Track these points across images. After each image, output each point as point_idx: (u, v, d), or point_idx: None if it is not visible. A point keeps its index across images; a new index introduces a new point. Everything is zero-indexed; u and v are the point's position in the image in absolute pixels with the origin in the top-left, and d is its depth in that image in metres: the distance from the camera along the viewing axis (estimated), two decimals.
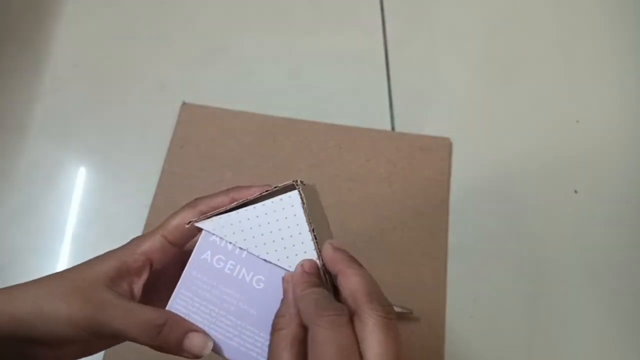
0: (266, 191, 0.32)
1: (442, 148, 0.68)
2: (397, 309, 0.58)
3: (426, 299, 0.61)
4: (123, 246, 0.33)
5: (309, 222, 0.32)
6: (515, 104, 0.72)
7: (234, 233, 0.32)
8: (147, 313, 0.31)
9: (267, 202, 0.32)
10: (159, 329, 0.31)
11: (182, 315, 0.32)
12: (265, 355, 0.31)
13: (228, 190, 0.34)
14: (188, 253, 0.34)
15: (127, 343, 0.32)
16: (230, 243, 0.32)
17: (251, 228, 0.32)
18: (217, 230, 0.32)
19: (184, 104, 0.71)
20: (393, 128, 0.70)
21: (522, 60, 0.75)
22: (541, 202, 0.67)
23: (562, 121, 0.71)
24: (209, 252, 0.32)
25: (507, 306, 0.62)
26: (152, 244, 0.33)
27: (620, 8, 0.78)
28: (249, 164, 0.67)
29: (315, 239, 0.32)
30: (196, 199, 0.34)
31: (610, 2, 0.79)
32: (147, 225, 0.64)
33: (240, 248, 0.32)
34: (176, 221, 0.33)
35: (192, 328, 0.32)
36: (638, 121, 0.71)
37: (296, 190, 0.31)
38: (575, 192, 0.67)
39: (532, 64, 0.75)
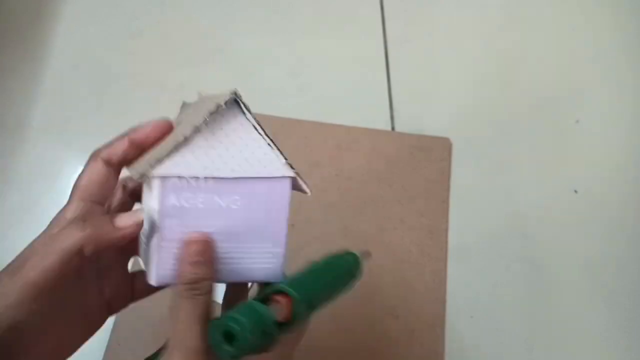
0: (205, 119, 0.30)
1: (442, 148, 0.68)
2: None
3: (426, 299, 0.61)
4: (50, 233, 0.31)
5: (257, 127, 0.31)
6: (515, 103, 0.72)
7: (190, 166, 0.30)
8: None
9: (210, 122, 0.30)
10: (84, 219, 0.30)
11: (173, 265, 0.31)
12: (276, 261, 0.32)
13: (122, 135, 0.33)
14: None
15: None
16: (192, 178, 0.30)
17: (205, 154, 0.30)
18: (173, 170, 0.30)
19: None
20: (393, 128, 0.70)
21: (522, 60, 0.75)
22: (541, 202, 0.67)
23: (562, 121, 0.71)
24: (173, 196, 0.30)
25: (507, 306, 0.62)
26: (76, 210, 0.31)
27: (620, 8, 0.78)
28: None
29: (272, 140, 0.31)
30: (94, 152, 0.33)
31: (610, 2, 0.79)
32: None
33: (205, 178, 0.30)
34: (84, 181, 0.32)
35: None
36: (638, 121, 0.71)
37: (234, 100, 0.31)
38: (575, 192, 0.67)
39: (532, 64, 0.75)
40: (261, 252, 0.32)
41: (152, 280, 0.31)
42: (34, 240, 0.31)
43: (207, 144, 0.30)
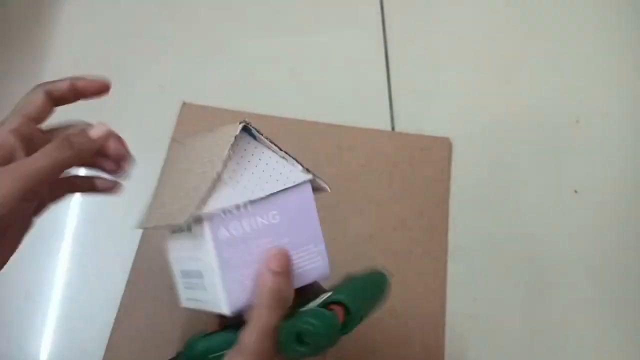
0: (229, 152, 0.33)
1: (442, 148, 0.68)
2: None
3: (426, 299, 0.61)
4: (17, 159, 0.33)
5: (271, 145, 0.35)
6: (515, 104, 0.72)
7: (230, 198, 0.33)
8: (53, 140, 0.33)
9: (232, 154, 0.34)
10: (68, 139, 0.33)
11: (241, 290, 0.34)
12: (322, 258, 0.36)
13: (65, 78, 0.37)
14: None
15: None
16: (234, 208, 0.33)
17: (238, 182, 0.34)
18: (217, 206, 0.33)
19: (184, 104, 0.71)
20: (393, 128, 0.70)
21: (522, 60, 0.75)
22: (541, 202, 0.67)
23: (562, 121, 0.71)
24: (223, 229, 0.33)
25: (507, 306, 0.62)
26: (18, 125, 0.33)
27: (619, 8, 0.78)
28: None
29: (286, 153, 0.35)
30: (37, 85, 0.36)
31: (610, 2, 0.79)
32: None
33: (244, 204, 0.34)
34: (26, 103, 0.35)
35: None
36: (638, 121, 0.71)
37: (244, 128, 0.34)
38: (575, 192, 0.67)
39: (531, 64, 0.75)
40: (308, 254, 0.35)
41: (226, 309, 0.33)
42: None
43: (236, 174, 0.34)
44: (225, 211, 0.33)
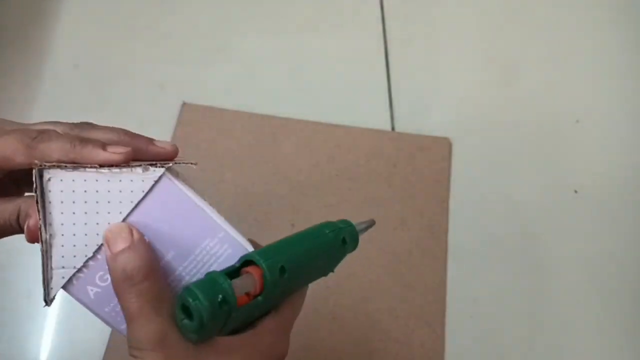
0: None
1: (442, 148, 0.68)
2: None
3: (426, 299, 0.61)
4: None
5: (79, 169, 0.28)
6: (515, 103, 0.72)
7: (70, 255, 0.28)
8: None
9: (40, 208, 0.28)
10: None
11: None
12: (230, 242, 0.29)
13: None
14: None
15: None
16: (78, 273, 0.28)
17: (74, 235, 0.28)
18: (65, 276, 0.28)
19: (184, 104, 0.71)
20: (393, 128, 0.70)
21: (522, 60, 0.75)
22: (541, 202, 0.67)
23: (562, 121, 0.71)
24: (86, 288, 0.29)
25: (507, 306, 0.62)
26: None
27: (620, 7, 0.78)
28: (249, 164, 0.67)
29: (111, 167, 0.28)
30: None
31: (610, 1, 0.79)
32: None
33: (87, 260, 0.28)
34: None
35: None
36: (638, 121, 0.71)
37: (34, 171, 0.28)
38: (575, 192, 0.67)
39: (532, 64, 0.75)
40: (210, 250, 0.29)
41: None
42: None
43: (64, 227, 0.28)
44: (79, 270, 0.28)
